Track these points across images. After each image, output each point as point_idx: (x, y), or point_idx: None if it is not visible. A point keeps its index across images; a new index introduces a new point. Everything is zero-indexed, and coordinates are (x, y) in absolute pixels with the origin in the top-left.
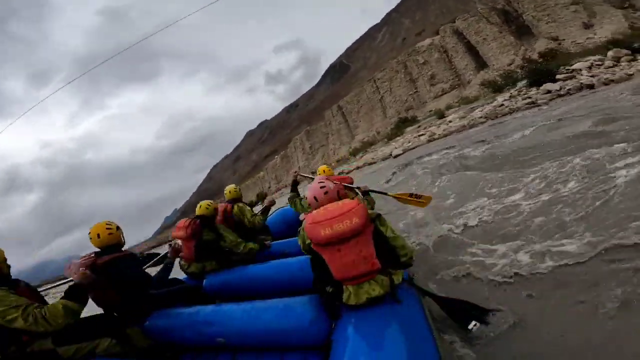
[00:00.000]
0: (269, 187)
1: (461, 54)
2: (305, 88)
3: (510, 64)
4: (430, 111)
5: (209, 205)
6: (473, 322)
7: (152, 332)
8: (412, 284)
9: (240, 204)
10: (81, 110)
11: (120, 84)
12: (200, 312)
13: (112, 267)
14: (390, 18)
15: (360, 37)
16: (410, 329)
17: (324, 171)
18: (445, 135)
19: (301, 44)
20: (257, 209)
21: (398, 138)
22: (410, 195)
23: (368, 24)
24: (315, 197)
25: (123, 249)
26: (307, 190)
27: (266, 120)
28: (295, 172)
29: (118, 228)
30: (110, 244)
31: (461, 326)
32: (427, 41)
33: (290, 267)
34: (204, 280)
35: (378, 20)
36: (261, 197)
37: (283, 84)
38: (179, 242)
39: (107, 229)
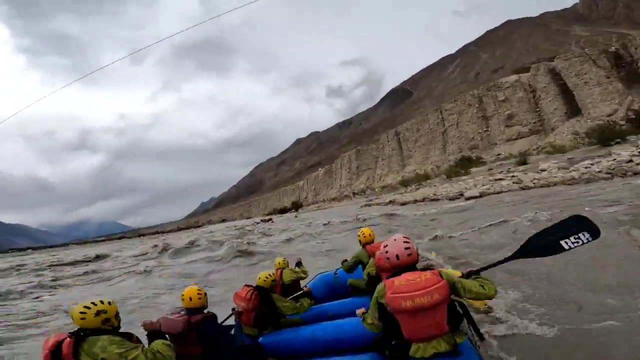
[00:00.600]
0: (306, 197)
1: (552, 96)
2: (363, 107)
3: (611, 115)
4: (499, 155)
5: (268, 277)
6: (564, 242)
7: None
8: (475, 345)
9: (288, 270)
10: (161, 90)
11: (196, 70)
12: None
13: (204, 325)
14: (466, 50)
15: (429, 66)
16: None
17: (370, 234)
18: (547, 186)
19: (367, 62)
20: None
21: (465, 177)
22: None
23: (440, 53)
24: (397, 256)
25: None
26: (389, 246)
27: (317, 131)
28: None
29: (205, 294)
30: (197, 307)
31: (556, 253)
32: (513, 77)
33: (342, 328)
34: (260, 339)
35: (453, 51)
36: (296, 205)
37: (342, 99)
38: (240, 308)
39: (197, 294)
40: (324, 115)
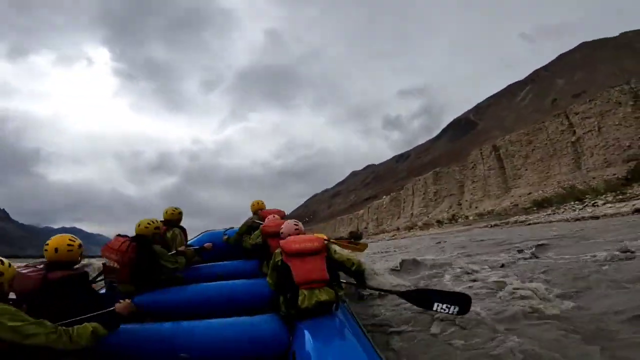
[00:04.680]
0: (366, 228)
1: None
2: (421, 140)
3: None
4: None
5: (149, 224)
6: (436, 304)
7: (109, 348)
8: (346, 301)
9: (177, 231)
10: (229, 118)
11: (262, 100)
12: (159, 328)
13: (66, 284)
14: (537, 76)
15: (497, 94)
16: (352, 336)
17: (259, 203)
18: None
19: (427, 91)
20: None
21: None
22: (350, 241)
23: (507, 80)
24: (289, 235)
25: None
26: (284, 227)
27: (373, 164)
28: (251, 218)
29: (80, 246)
30: (64, 261)
31: (426, 309)
32: None
33: (234, 288)
34: (134, 298)
35: (521, 77)
36: (354, 235)
37: (399, 131)
38: (113, 263)
39: (68, 244)
40: (380, 148)
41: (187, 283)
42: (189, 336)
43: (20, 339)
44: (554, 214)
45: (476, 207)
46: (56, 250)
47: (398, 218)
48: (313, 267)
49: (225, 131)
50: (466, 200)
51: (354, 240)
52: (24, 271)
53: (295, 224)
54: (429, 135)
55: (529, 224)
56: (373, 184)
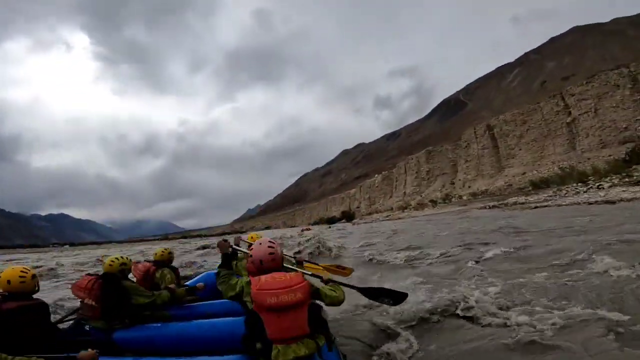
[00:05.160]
0: (358, 207)
1: None
2: (412, 119)
3: None
4: None
5: (115, 261)
6: (381, 298)
7: None
8: (334, 345)
9: (166, 271)
10: (216, 99)
11: (250, 81)
12: None
13: (20, 316)
14: (527, 59)
15: (486, 75)
16: None
17: (251, 237)
18: None
19: (418, 72)
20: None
21: None
22: (337, 266)
23: (497, 62)
24: (261, 261)
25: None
26: (254, 250)
27: (364, 143)
28: (238, 236)
29: (34, 276)
30: (20, 291)
31: (372, 300)
32: None
33: (213, 327)
34: (115, 334)
35: (511, 60)
36: (346, 215)
37: (389, 110)
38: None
39: (20, 275)
40: (370, 127)
41: (175, 321)
42: None
43: None
44: (555, 195)
45: (469, 187)
46: (8, 282)
47: (390, 197)
48: (291, 323)
49: (213, 112)
50: (459, 180)
51: (347, 219)
52: None
53: (269, 246)
54: (419, 114)
55: (536, 207)
56: (364, 162)
